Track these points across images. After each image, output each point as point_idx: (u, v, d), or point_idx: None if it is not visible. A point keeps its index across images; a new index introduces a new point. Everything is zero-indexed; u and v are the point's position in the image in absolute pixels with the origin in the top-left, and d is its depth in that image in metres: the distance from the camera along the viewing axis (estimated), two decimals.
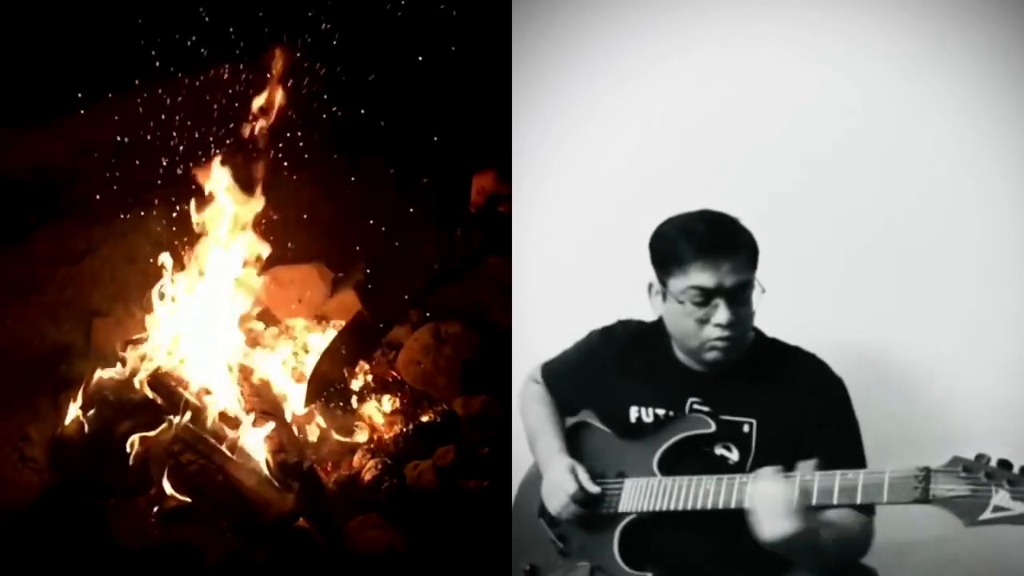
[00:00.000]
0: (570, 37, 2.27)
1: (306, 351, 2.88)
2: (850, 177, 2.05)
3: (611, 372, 1.84)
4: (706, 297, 1.62)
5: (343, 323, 2.91)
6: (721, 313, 1.62)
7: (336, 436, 2.64)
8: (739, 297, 1.62)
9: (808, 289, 2.01)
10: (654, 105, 2.21)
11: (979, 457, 1.33)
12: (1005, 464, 1.31)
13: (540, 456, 1.85)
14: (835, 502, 1.43)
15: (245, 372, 2.70)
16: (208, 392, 2.56)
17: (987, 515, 1.29)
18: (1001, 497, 1.28)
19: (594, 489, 1.71)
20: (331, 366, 2.74)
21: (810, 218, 2.05)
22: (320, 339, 2.90)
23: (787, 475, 1.48)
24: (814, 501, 1.45)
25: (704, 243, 1.61)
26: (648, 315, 1.81)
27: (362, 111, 3.10)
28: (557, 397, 1.94)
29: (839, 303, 2.05)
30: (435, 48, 3.10)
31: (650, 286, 1.72)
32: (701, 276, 1.61)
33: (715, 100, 2.15)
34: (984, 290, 1.96)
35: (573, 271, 2.27)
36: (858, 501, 1.42)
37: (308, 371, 2.79)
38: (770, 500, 1.45)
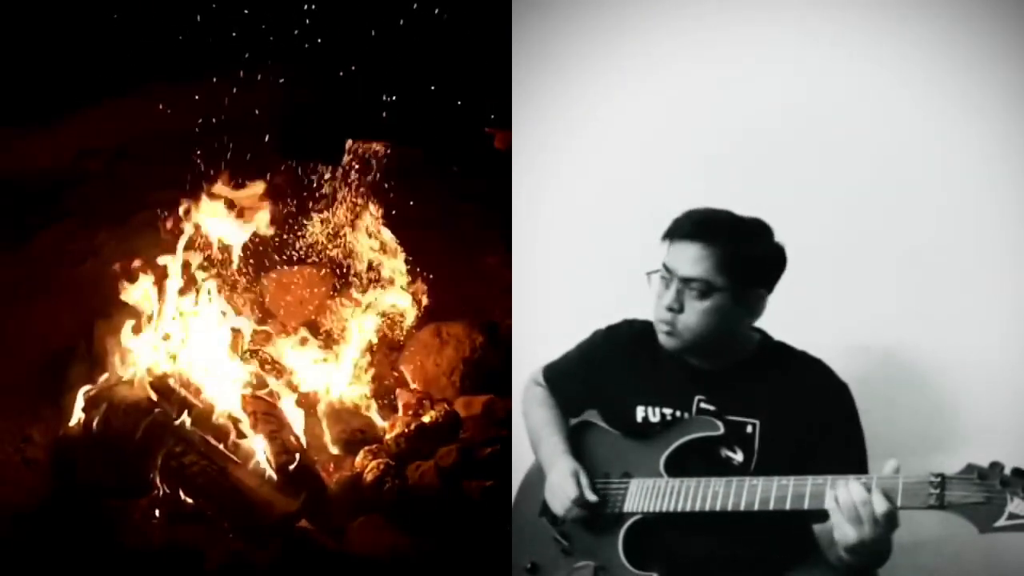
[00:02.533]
0: (572, 34, 2.27)
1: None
2: (854, 178, 2.04)
3: (616, 371, 1.84)
4: (667, 277, 1.67)
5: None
6: (668, 295, 1.67)
7: (338, 437, 2.64)
8: (693, 290, 1.64)
9: (812, 292, 1.99)
10: (656, 104, 2.21)
11: (993, 465, 1.34)
12: (1019, 472, 1.32)
13: (544, 457, 1.85)
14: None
15: (248, 373, 2.70)
16: (211, 394, 2.56)
17: (1002, 522, 1.31)
18: (1016, 504, 1.30)
19: (592, 498, 1.71)
20: None
21: (814, 219, 2.04)
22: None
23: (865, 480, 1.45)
24: (826, 504, 1.46)
25: (683, 228, 1.66)
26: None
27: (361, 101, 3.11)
28: (560, 398, 1.94)
29: (843, 306, 2.04)
30: (434, 46, 3.10)
31: None
32: (668, 255, 1.68)
33: (719, 99, 2.14)
34: (989, 291, 1.95)
35: (573, 271, 2.27)
36: None
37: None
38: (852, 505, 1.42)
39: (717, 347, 1.70)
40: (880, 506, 1.39)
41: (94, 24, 3.13)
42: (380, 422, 2.71)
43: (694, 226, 1.66)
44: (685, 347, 1.70)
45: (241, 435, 2.45)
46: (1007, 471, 1.33)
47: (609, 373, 1.85)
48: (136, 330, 2.67)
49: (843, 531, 1.43)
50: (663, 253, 1.70)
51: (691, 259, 1.64)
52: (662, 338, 1.70)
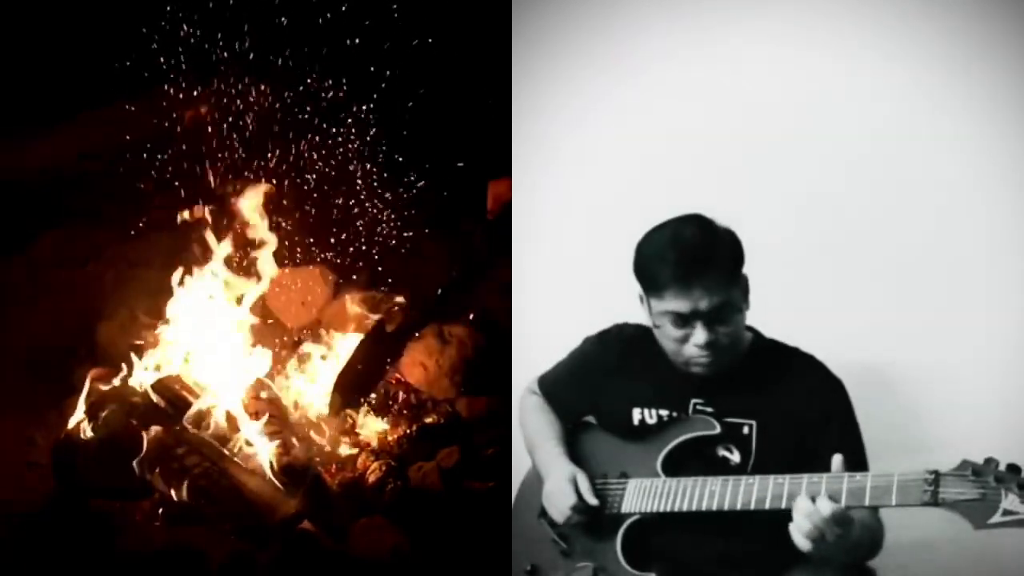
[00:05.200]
0: (571, 37, 2.27)
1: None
2: (852, 179, 2.04)
3: (610, 376, 1.84)
4: (683, 321, 1.64)
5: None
6: (699, 334, 1.63)
7: (340, 438, 2.64)
8: (717, 316, 1.63)
9: (807, 291, 2.01)
10: (655, 106, 2.20)
11: (988, 461, 1.34)
12: (1014, 468, 1.32)
13: (541, 462, 1.85)
14: (843, 504, 1.44)
15: (249, 375, 2.70)
16: (212, 395, 2.56)
17: (996, 518, 1.30)
18: (1011, 501, 1.29)
19: (593, 501, 1.70)
20: (355, 376, 2.73)
21: (811, 220, 2.05)
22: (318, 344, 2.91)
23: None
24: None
25: (676, 271, 1.62)
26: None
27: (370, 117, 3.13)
28: (556, 406, 1.93)
29: (838, 305, 2.04)
30: (435, 50, 3.11)
31: (641, 297, 1.73)
32: (675, 303, 1.63)
33: (717, 102, 2.13)
34: (986, 291, 1.94)
35: (573, 272, 2.26)
36: (866, 503, 1.42)
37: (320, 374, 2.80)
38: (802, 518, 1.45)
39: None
40: (826, 509, 1.41)
41: (96, 27, 3.14)
42: (382, 423, 2.71)
43: (680, 269, 1.61)
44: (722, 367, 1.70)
45: (243, 435, 2.45)
46: (1002, 467, 1.32)
47: (602, 378, 1.85)
48: (138, 332, 2.67)
49: (800, 542, 1.45)
50: (656, 304, 1.66)
51: (704, 294, 1.61)
52: (698, 371, 1.69)
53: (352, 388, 2.70)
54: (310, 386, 2.79)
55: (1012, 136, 1.89)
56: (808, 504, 1.43)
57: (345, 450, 2.60)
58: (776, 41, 2.06)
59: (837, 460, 1.48)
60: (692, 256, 1.62)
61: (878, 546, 1.57)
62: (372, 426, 2.69)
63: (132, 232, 3.02)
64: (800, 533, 1.45)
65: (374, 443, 2.62)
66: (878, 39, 1.97)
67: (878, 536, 1.58)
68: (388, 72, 3.17)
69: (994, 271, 1.93)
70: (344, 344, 2.87)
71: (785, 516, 1.50)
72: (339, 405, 2.67)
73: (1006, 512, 1.29)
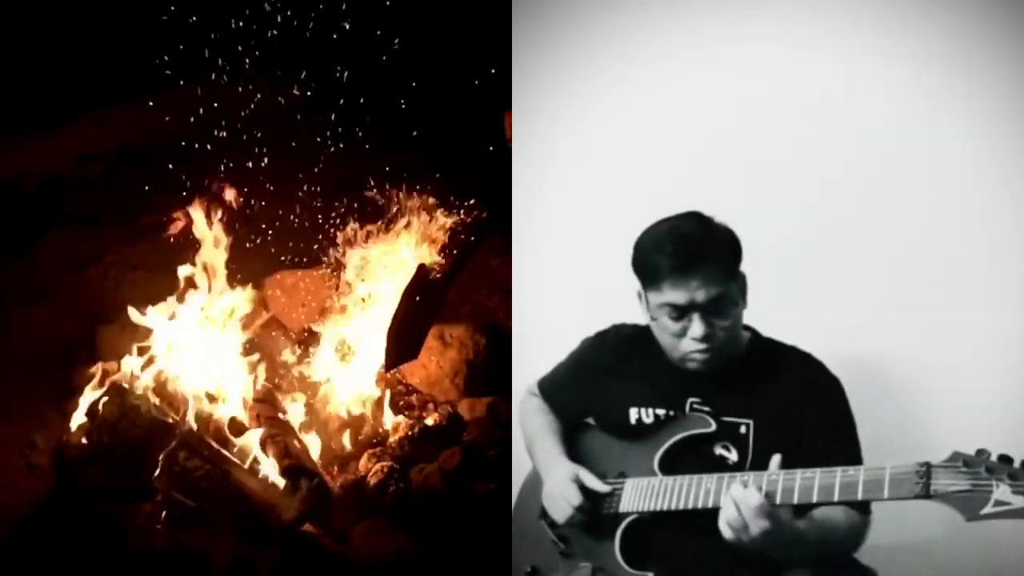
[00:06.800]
0: (571, 37, 2.27)
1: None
2: (852, 179, 2.03)
3: (608, 377, 1.85)
4: (680, 313, 1.65)
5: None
6: (696, 327, 1.65)
7: (341, 439, 2.64)
8: (714, 309, 1.64)
9: (805, 289, 2.01)
10: (656, 104, 2.20)
11: (979, 452, 1.34)
12: (1005, 459, 1.32)
13: (540, 461, 1.86)
14: (836, 499, 1.44)
15: (251, 377, 2.70)
16: (214, 398, 2.56)
17: (988, 509, 1.29)
18: (1002, 491, 1.29)
19: (603, 488, 1.71)
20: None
21: (810, 220, 2.05)
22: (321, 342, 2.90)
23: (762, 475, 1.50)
24: (815, 498, 1.45)
25: (673, 262, 1.63)
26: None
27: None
28: (556, 408, 1.94)
29: (837, 304, 2.03)
30: (436, 50, 3.11)
31: (639, 294, 1.74)
32: (673, 294, 1.64)
33: (718, 99, 2.13)
34: (986, 291, 1.94)
35: (573, 272, 2.26)
36: (859, 497, 1.42)
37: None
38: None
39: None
40: (753, 500, 1.44)
41: (95, 30, 3.14)
42: (384, 425, 2.71)
43: (677, 260, 1.63)
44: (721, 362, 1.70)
45: (244, 437, 2.45)
46: (993, 458, 1.32)
47: (600, 378, 1.86)
48: (140, 334, 2.67)
49: (722, 529, 1.48)
50: (654, 297, 1.68)
51: (700, 285, 1.62)
52: (694, 366, 1.70)
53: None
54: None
55: (1012, 136, 1.89)
56: (739, 491, 1.45)
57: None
58: (776, 41, 2.05)
59: (775, 460, 1.50)
60: (689, 247, 1.64)
61: (851, 544, 1.57)
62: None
63: (132, 234, 3.02)
64: (724, 520, 1.47)
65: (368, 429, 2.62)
66: (878, 39, 1.97)
67: (850, 534, 1.57)
68: (388, 73, 3.18)
69: (994, 271, 1.92)
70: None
71: None
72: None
73: (998, 503, 1.29)
